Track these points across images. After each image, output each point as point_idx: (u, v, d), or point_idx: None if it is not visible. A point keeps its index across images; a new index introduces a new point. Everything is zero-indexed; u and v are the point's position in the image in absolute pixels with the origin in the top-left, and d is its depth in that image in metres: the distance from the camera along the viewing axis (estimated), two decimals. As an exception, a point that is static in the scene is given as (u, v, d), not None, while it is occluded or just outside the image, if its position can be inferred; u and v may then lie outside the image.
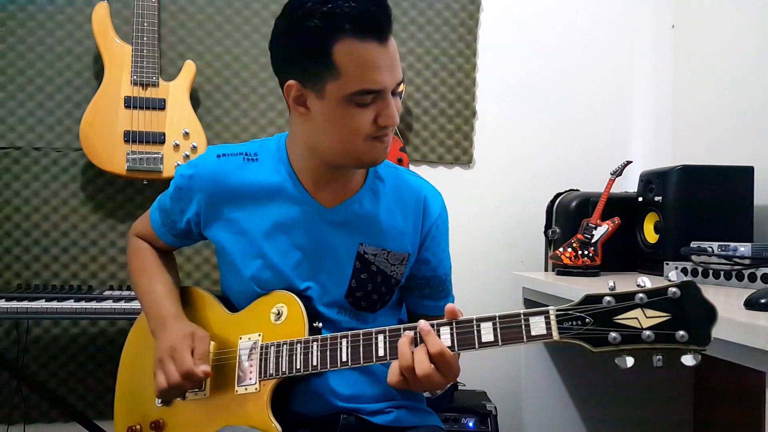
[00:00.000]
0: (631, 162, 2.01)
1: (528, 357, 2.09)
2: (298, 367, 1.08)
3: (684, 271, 1.66)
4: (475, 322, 0.96)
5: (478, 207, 2.51)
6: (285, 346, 1.10)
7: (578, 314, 0.89)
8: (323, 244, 1.19)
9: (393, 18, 1.05)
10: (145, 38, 2.17)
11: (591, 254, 1.92)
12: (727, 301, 1.30)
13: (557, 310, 0.91)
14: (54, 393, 2.22)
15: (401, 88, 2.35)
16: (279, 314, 1.14)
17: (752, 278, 1.48)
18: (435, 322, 0.99)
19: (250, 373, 1.12)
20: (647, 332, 0.86)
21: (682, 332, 0.84)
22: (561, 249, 1.96)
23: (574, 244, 1.94)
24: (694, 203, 1.85)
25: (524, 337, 0.92)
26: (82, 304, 1.86)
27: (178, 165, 1.18)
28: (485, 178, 2.53)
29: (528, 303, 2.05)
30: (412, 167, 2.39)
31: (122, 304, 1.87)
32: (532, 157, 2.54)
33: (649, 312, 0.86)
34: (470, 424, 2.01)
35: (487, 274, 2.49)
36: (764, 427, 1.08)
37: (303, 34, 1.03)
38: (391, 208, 1.22)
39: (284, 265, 1.18)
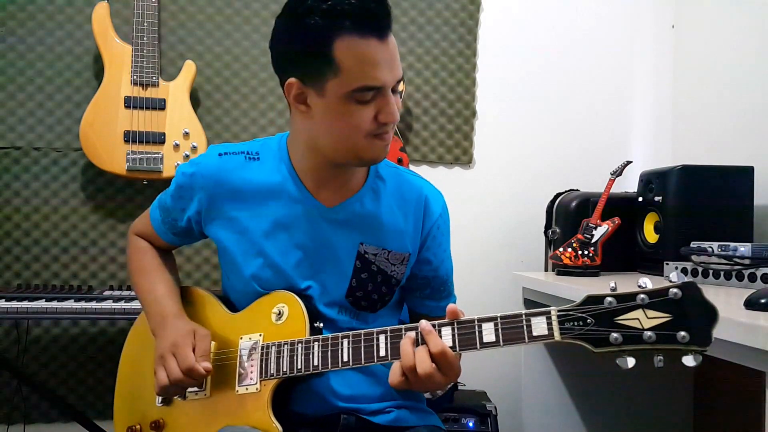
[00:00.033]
0: (631, 162, 2.01)
1: (528, 357, 2.09)
2: (299, 367, 1.08)
3: (684, 271, 1.66)
4: (476, 322, 0.96)
5: (478, 207, 2.51)
6: (286, 346, 1.10)
7: (580, 315, 0.90)
8: (324, 243, 1.19)
9: (392, 15, 1.05)
10: (145, 38, 2.17)
11: (591, 254, 1.92)
12: (727, 301, 1.30)
13: (559, 311, 0.91)
14: (54, 393, 2.22)
15: (401, 87, 2.37)
16: (280, 314, 1.14)
17: (752, 278, 1.48)
18: (436, 322, 0.99)
19: (251, 372, 1.12)
20: (648, 333, 0.86)
21: (683, 333, 0.84)
22: (561, 249, 1.96)
23: (574, 244, 1.94)
24: (694, 203, 1.85)
25: (526, 338, 0.92)
26: (82, 304, 1.86)
27: (178, 165, 1.19)
28: (485, 178, 2.53)
29: (528, 303, 2.05)
30: (412, 167, 2.38)
31: (122, 304, 1.87)
32: (532, 157, 2.55)
33: (651, 313, 0.86)
34: (470, 424, 2.01)
35: (487, 274, 2.49)
36: (764, 427, 1.08)
37: (303, 31, 1.03)
38: (391, 207, 1.22)
39: (285, 264, 1.18)
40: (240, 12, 2.39)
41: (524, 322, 0.93)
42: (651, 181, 1.96)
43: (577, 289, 1.65)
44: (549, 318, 0.91)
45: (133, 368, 1.30)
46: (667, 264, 1.74)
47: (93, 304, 1.86)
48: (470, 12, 2.49)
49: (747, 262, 1.51)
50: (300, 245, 1.18)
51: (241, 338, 1.15)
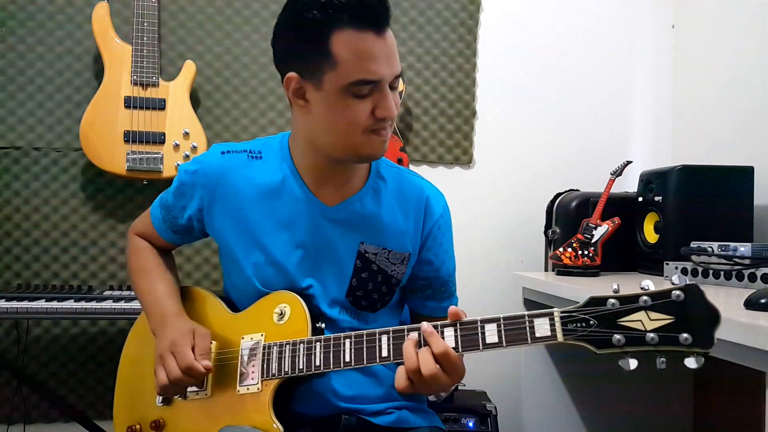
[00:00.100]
0: (631, 162, 2.01)
1: (528, 357, 2.09)
2: (300, 367, 1.08)
3: (684, 271, 1.67)
4: (479, 323, 0.96)
5: (478, 207, 2.51)
6: (288, 346, 1.10)
7: (582, 316, 0.90)
8: (324, 242, 1.19)
9: (391, 10, 1.06)
10: (145, 38, 2.17)
11: (591, 254, 1.92)
12: (727, 301, 1.30)
13: (562, 312, 0.91)
14: (54, 393, 2.22)
15: (401, 87, 2.36)
16: (282, 314, 1.14)
17: (752, 278, 1.49)
18: (438, 323, 0.99)
19: (252, 372, 1.12)
20: (651, 335, 0.86)
21: (685, 335, 0.84)
22: (561, 249, 1.96)
23: (574, 244, 1.94)
24: (694, 203, 1.85)
25: (529, 339, 0.93)
26: (82, 304, 1.86)
27: (179, 165, 1.19)
28: (485, 178, 2.53)
29: (528, 303, 2.06)
30: (412, 167, 2.38)
31: (122, 304, 1.86)
32: (532, 157, 2.55)
33: (653, 314, 0.86)
34: (470, 424, 2.01)
35: (487, 274, 2.49)
36: (764, 427, 1.08)
37: (301, 25, 1.04)
38: (392, 207, 1.22)
39: (287, 262, 1.18)
40: (240, 12, 2.39)
41: (527, 323, 0.93)
42: (651, 181, 1.97)
43: (577, 289, 1.65)
44: (552, 319, 0.92)
45: (133, 368, 1.30)
46: (667, 264, 1.74)
47: (93, 304, 1.86)
48: (470, 12, 2.49)
49: (747, 262, 1.51)
50: (301, 244, 1.18)
51: (243, 338, 1.16)
